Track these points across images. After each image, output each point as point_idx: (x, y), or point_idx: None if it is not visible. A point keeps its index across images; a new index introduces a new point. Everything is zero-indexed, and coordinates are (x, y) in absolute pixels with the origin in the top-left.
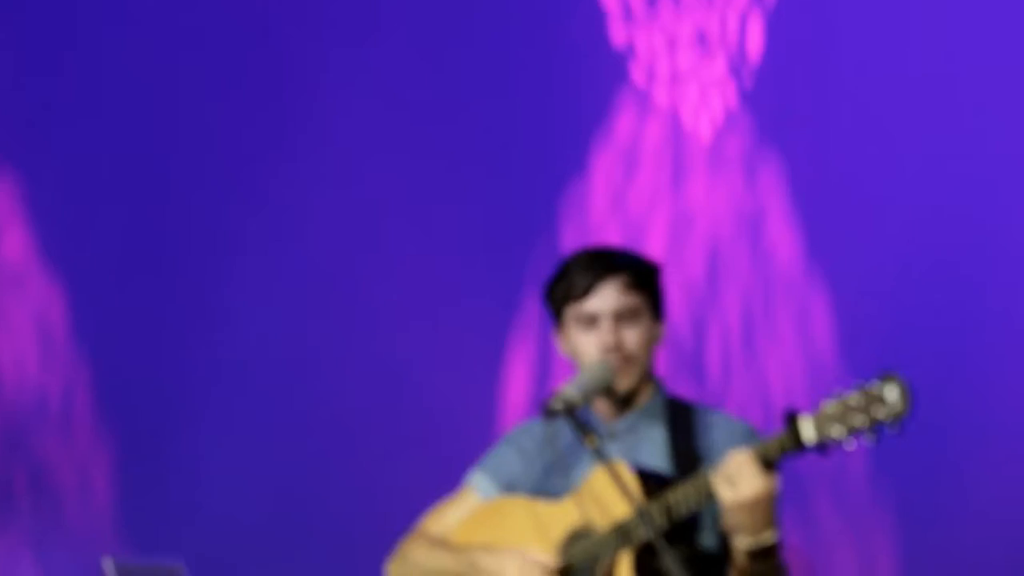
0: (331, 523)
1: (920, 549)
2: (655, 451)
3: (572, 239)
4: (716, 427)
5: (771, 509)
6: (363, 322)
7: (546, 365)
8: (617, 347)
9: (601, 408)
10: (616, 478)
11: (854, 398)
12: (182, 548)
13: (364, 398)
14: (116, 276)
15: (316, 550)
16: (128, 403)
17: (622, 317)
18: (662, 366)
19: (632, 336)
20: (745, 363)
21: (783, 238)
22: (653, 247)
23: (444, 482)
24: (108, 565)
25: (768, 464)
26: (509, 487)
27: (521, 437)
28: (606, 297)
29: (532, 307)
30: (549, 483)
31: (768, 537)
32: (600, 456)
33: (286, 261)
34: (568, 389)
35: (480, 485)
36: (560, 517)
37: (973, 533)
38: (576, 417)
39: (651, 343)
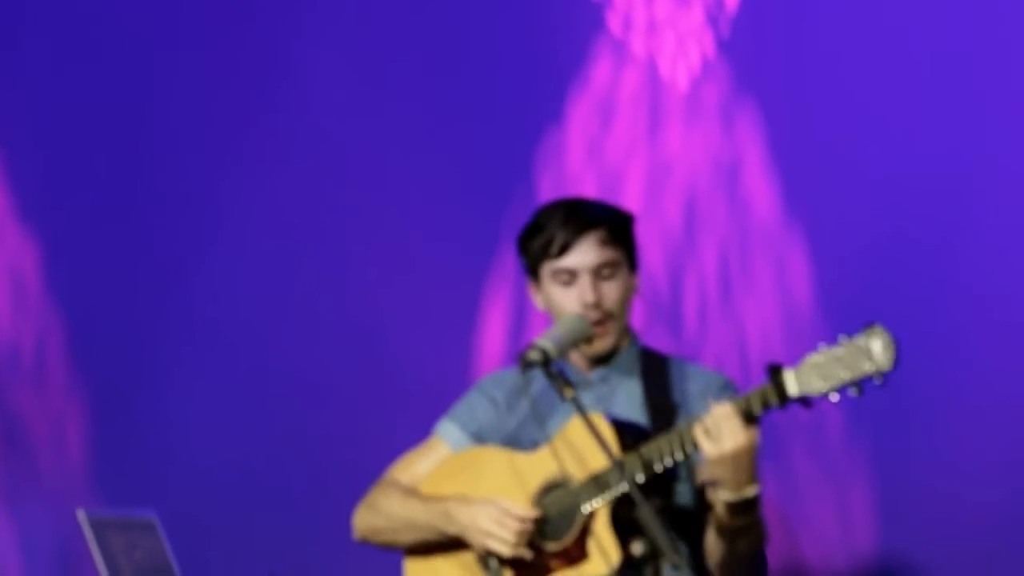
0: (305, 475)
1: (896, 501)
2: (630, 402)
3: (548, 189)
4: (691, 378)
5: (752, 463)
6: (337, 273)
7: (522, 316)
8: (597, 304)
9: (575, 359)
10: (593, 429)
11: (839, 351)
12: (156, 501)
13: (338, 349)
14: (90, 230)
15: (290, 502)
16: (102, 357)
17: (601, 273)
18: (638, 317)
19: (611, 291)
20: (722, 313)
21: (761, 188)
22: (630, 197)
23: (418, 433)
24: (82, 518)
25: (750, 418)
26: (479, 437)
27: (492, 387)
28: (585, 253)
29: (508, 257)
30: (522, 434)
31: (749, 491)
32: (579, 408)
33: (260, 214)
34: (544, 341)
35: (449, 435)
36: (536, 467)
37: (948, 484)
38: (552, 368)
39: (628, 296)
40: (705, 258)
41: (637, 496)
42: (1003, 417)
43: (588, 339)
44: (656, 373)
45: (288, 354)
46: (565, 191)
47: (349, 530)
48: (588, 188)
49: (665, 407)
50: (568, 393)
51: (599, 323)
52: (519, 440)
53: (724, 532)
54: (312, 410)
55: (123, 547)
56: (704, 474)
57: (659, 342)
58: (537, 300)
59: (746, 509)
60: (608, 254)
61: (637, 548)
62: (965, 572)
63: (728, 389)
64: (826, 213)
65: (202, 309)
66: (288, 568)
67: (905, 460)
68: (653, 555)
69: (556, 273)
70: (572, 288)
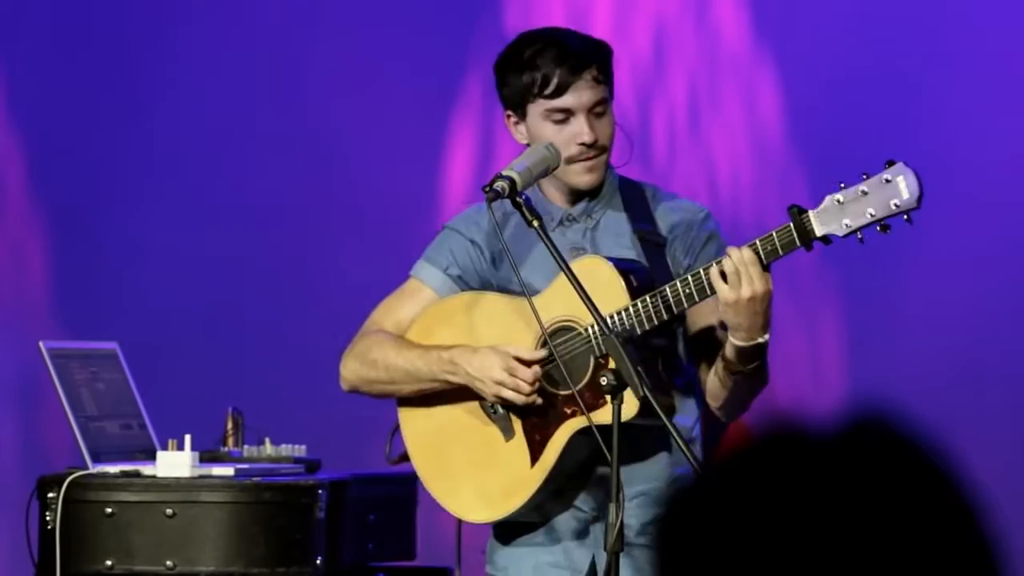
0: (266, 308)
1: (865, 335)
2: (618, 236)
3: (515, 17)
4: (676, 211)
5: (768, 310)
6: (300, 100)
7: (489, 146)
8: (594, 141)
9: (553, 194)
10: (605, 269)
11: (862, 188)
12: (117, 331)
13: (302, 183)
14: (52, 52)
15: (251, 335)
16: (62, 184)
17: (594, 110)
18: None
19: (604, 127)
20: (691, 141)
21: (730, 14)
22: (598, 24)
23: (382, 265)
24: (43, 349)
25: (768, 261)
26: (463, 280)
27: (467, 229)
28: (582, 93)
29: (474, 87)
30: (500, 273)
31: (761, 338)
32: (544, 237)
33: (224, 37)
34: (511, 170)
35: (431, 278)
36: (539, 311)
37: (918, 322)
38: (520, 198)
39: (614, 130)
40: (674, 85)
41: (604, 329)
42: (972, 251)
43: (556, 168)
44: (639, 205)
45: (251, 183)
46: (532, 19)
47: (309, 360)
48: (555, 15)
49: (654, 240)
50: (535, 223)
51: (592, 159)
52: (498, 279)
53: (730, 375)
54: (275, 242)
55: (85, 378)
56: (718, 317)
57: (627, 172)
58: (517, 134)
59: (755, 355)
60: (600, 92)
61: (603, 379)
62: (933, 410)
63: (710, 220)
64: (795, 39)
65: (165, 134)
66: (250, 398)
67: (874, 294)
68: (619, 386)
69: (550, 112)
70: (566, 126)
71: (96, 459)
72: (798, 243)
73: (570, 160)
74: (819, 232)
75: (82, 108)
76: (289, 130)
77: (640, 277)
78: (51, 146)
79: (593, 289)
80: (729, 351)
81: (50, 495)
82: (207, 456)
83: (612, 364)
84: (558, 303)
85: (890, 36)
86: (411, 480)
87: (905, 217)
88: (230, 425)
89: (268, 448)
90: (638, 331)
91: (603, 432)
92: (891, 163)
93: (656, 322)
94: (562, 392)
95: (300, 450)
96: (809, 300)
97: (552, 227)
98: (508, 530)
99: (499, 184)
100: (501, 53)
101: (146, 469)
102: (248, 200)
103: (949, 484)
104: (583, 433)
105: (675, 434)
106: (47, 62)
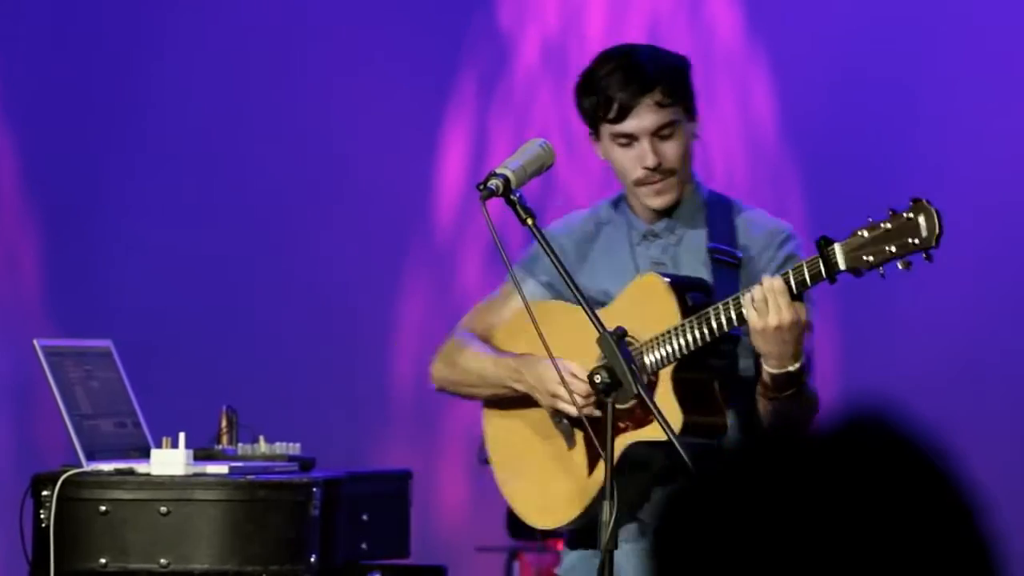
0: (261, 306)
1: (860, 334)
2: (696, 252)
3: (509, 16)
4: (757, 228)
5: (797, 339)
6: (295, 101)
7: (483, 144)
8: (657, 166)
9: (638, 210)
10: (659, 287)
11: (886, 225)
12: (111, 329)
13: (296, 181)
14: (45, 51)
15: (245, 333)
16: (55, 183)
17: (660, 133)
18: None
19: (671, 150)
20: None
21: (723, 12)
22: (592, 22)
23: (377, 260)
24: (37, 346)
25: (799, 292)
26: (552, 287)
27: (561, 235)
28: (643, 118)
29: (468, 86)
30: (592, 285)
31: (791, 366)
32: (537, 233)
33: (220, 36)
34: (505, 168)
35: (522, 284)
36: (603, 324)
37: (910, 320)
38: (515, 195)
39: (688, 149)
40: None
41: (598, 325)
42: (967, 251)
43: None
44: (721, 220)
45: (245, 181)
46: (525, 19)
47: (303, 358)
48: (549, 13)
49: (728, 259)
50: (528, 221)
51: (658, 182)
52: (589, 292)
53: (767, 400)
54: (269, 238)
55: (79, 376)
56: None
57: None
58: (597, 151)
59: (788, 382)
60: (665, 115)
61: (597, 377)
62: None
63: (791, 241)
64: (789, 37)
65: (157, 133)
66: (244, 396)
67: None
68: (612, 384)
69: (615, 136)
70: (631, 150)
71: (90, 457)
72: (823, 275)
73: (637, 183)
74: (843, 265)
75: (75, 107)
76: (282, 129)
77: (699, 297)
78: (44, 145)
79: (646, 306)
80: (765, 376)
81: (44, 493)
82: (201, 454)
83: (665, 385)
84: (620, 317)
85: (882, 34)
86: (405, 478)
87: (924, 255)
88: (224, 423)
89: (262, 446)
90: (683, 352)
91: (655, 447)
92: (915, 200)
93: (699, 344)
94: (618, 405)
95: (294, 448)
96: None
97: (636, 242)
98: (575, 535)
99: (493, 182)
100: (581, 71)
101: (140, 467)
102: (242, 199)
103: (945, 483)
104: (639, 445)
105: (671, 436)
106: (39, 61)
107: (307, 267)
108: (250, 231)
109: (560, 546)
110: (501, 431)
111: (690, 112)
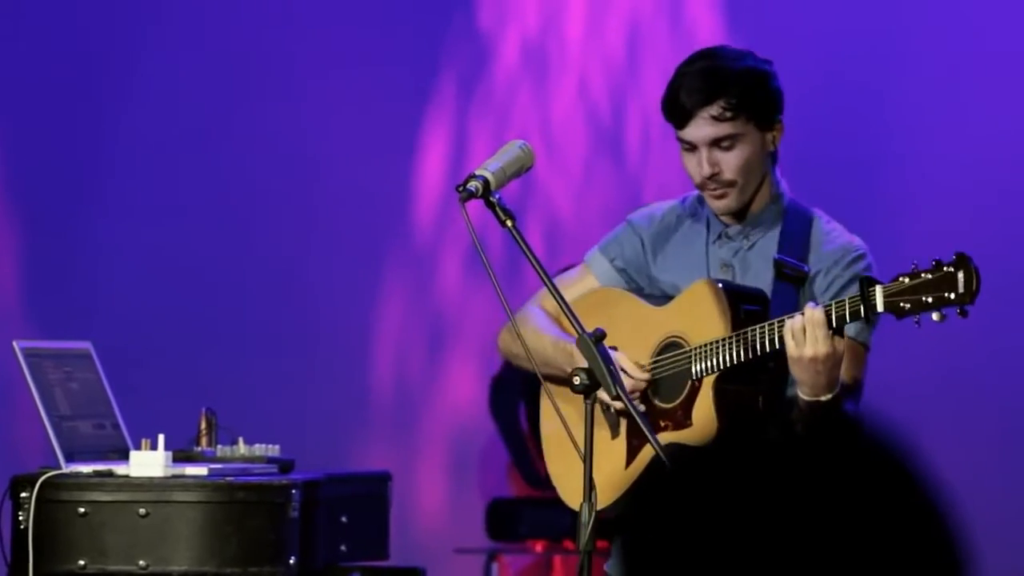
0: (240, 308)
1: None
2: (765, 263)
3: (489, 17)
4: (828, 245)
5: (832, 371)
6: (274, 103)
7: (462, 145)
8: (713, 175)
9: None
10: (712, 296)
11: (927, 275)
12: (90, 332)
13: (275, 183)
14: (27, 58)
15: (224, 336)
16: (36, 186)
17: (720, 144)
18: (581, 145)
19: (730, 160)
20: (664, 140)
21: (704, 14)
22: (572, 23)
23: (356, 261)
24: (17, 348)
25: (839, 326)
26: (622, 271)
27: (642, 225)
28: (700, 128)
29: (448, 87)
30: (654, 273)
31: (824, 396)
32: (516, 234)
33: (200, 38)
34: (484, 170)
35: (599, 266)
36: (660, 322)
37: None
38: (494, 197)
39: (755, 159)
40: (648, 85)
41: (579, 328)
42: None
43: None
44: (795, 232)
45: (225, 184)
46: (506, 20)
47: (282, 360)
48: (529, 15)
49: (793, 273)
50: (508, 223)
51: (715, 190)
52: (658, 285)
53: (801, 425)
54: (249, 241)
55: (58, 378)
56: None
57: (601, 168)
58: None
59: (823, 410)
60: (724, 128)
61: (576, 379)
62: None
63: (860, 262)
64: (769, 39)
65: (137, 136)
66: (223, 398)
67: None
68: (591, 386)
69: (680, 140)
70: (693, 155)
71: (69, 459)
72: (862, 314)
73: (700, 187)
74: (880, 308)
75: (56, 110)
76: (262, 130)
77: (754, 310)
78: (24, 147)
79: (695, 314)
80: (800, 402)
81: (23, 495)
82: (180, 456)
83: (706, 392)
84: (677, 317)
85: (864, 35)
86: (384, 480)
87: (958, 311)
88: (203, 425)
89: (241, 448)
90: (725, 366)
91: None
92: (959, 255)
93: (740, 360)
94: (661, 404)
95: (273, 450)
96: None
97: (713, 240)
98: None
99: (472, 184)
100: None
101: (119, 469)
102: (221, 201)
103: (911, 481)
104: (676, 444)
105: (648, 434)
106: (19, 64)
107: (287, 269)
108: (230, 233)
109: (539, 547)
110: (552, 413)
111: (764, 122)
